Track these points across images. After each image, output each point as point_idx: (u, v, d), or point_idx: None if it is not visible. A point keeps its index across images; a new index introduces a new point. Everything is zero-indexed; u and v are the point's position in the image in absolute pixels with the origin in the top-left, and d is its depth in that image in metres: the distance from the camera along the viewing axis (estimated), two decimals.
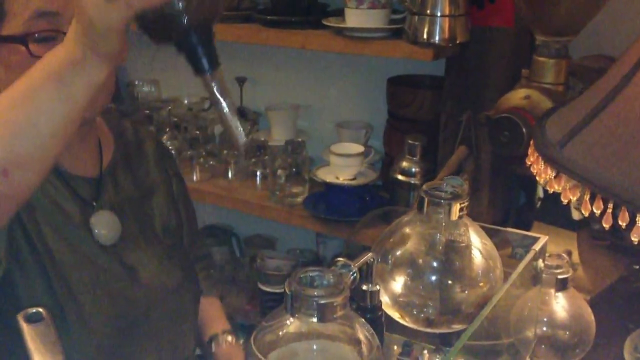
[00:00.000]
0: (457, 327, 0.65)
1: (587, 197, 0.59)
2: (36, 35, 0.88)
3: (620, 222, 0.56)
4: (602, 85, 0.65)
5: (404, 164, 1.52)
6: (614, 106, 0.61)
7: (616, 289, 1.23)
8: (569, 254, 0.89)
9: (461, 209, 0.64)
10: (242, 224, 2.05)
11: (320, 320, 0.50)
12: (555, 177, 0.63)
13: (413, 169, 1.51)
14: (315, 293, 0.50)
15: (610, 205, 0.56)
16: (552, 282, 0.81)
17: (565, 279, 0.81)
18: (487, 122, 1.18)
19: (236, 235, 2.06)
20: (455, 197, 0.64)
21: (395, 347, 0.81)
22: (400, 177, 1.51)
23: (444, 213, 0.64)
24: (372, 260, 0.61)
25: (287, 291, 0.50)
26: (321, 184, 1.61)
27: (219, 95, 0.59)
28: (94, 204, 0.98)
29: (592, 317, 0.84)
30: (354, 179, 1.59)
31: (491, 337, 0.80)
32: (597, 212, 0.57)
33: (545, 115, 0.74)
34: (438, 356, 0.79)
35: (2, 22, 0.89)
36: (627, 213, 0.55)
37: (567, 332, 0.83)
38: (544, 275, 0.81)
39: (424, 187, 0.66)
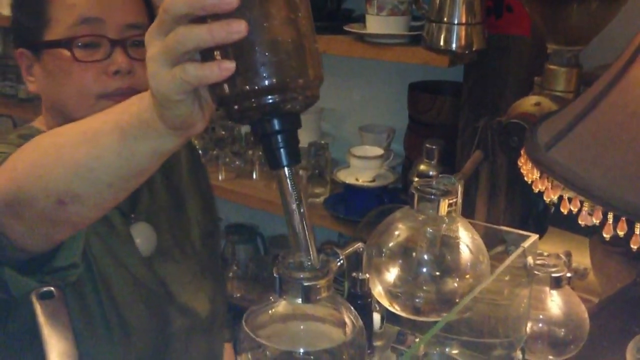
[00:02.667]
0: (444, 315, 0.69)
1: (566, 197, 0.62)
2: (80, 41, 0.90)
3: (594, 220, 0.59)
4: (589, 93, 0.69)
5: (422, 167, 1.56)
6: (596, 113, 0.64)
7: (625, 293, 1.24)
8: (568, 254, 0.92)
9: (450, 205, 0.68)
10: (266, 223, 2.10)
11: (305, 301, 0.54)
12: (539, 177, 0.67)
13: (430, 172, 1.54)
14: (301, 276, 0.54)
15: (586, 205, 0.60)
16: (547, 280, 0.84)
17: (559, 277, 0.84)
18: (498, 127, 1.21)
19: (261, 234, 2.12)
20: (445, 193, 0.68)
21: None
22: (417, 179, 1.55)
23: (433, 209, 0.68)
24: (361, 249, 0.66)
25: (275, 274, 0.55)
26: (342, 185, 1.66)
27: (290, 197, 0.52)
28: (132, 215, 0.99)
29: (586, 315, 0.86)
30: (373, 180, 1.64)
31: (486, 331, 0.83)
32: (575, 210, 0.61)
33: (540, 120, 0.78)
34: (437, 347, 0.83)
35: (46, 28, 0.92)
36: (600, 212, 0.59)
37: (562, 329, 0.85)
38: (540, 274, 0.85)
39: (415, 183, 0.71)
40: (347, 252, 0.61)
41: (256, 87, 0.49)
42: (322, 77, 0.53)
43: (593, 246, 1.30)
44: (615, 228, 0.58)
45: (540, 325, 0.86)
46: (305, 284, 0.54)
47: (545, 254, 0.88)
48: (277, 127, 0.52)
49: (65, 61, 0.91)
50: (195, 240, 1.08)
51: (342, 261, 0.58)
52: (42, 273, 0.77)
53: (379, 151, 1.64)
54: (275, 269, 0.55)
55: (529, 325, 0.85)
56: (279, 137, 0.52)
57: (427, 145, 1.55)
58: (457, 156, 1.55)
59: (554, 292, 0.85)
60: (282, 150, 0.52)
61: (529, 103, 1.20)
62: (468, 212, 1.46)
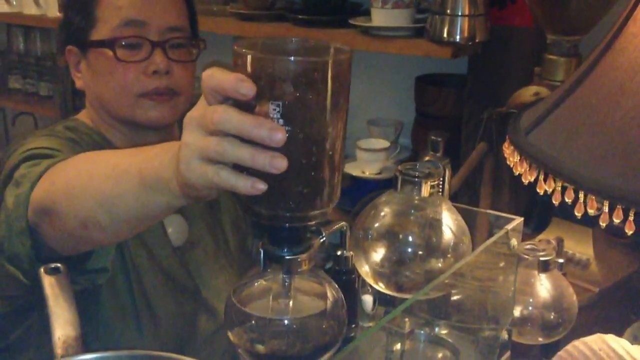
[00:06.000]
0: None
1: (541, 178, 0.64)
2: (123, 42, 0.96)
3: (566, 199, 0.62)
4: (569, 80, 0.71)
5: (427, 159, 1.57)
6: (572, 98, 0.67)
7: (626, 282, 1.25)
8: (560, 240, 0.94)
9: (432, 187, 0.71)
10: None
11: (287, 273, 0.57)
12: (519, 160, 0.69)
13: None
14: (286, 250, 0.58)
15: (560, 185, 0.62)
16: (535, 264, 0.86)
17: (547, 261, 0.86)
18: (497, 117, 1.23)
19: None
20: (427, 176, 0.71)
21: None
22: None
23: (416, 191, 0.71)
24: (345, 228, 0.69)
25: (260, 249, 0.58)
26: (349, 177, 1.69)
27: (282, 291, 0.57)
28: None
29: (575, 298, 0.88)
30: (379, 173, 1.66)
31: (475, 313, 0.86)
32: (550, 190, 0.63)
33: (526, 106, 0.80)
34: (427, 328, 0.86)
35: (93, 28, 0.98)
36: (572, 191, 0.61)
37: (550, 312, 0.87)
38: (529, 258, 0.87)
39: (399, 167, 0.73)
40: (330, 230, 0.64)
41: (279, 212, 0.53)
42: (338, 198, 0.56)
43: (596, 236, 1.31)
44: (586, 206, 0.61)
45: (530, 308, 0.88)
46: (287, 257, 0.57)
47: (537, 239, 0.90)
48: (285, 243, 0.56)
49: (109, 60, 0.97)
50: (225, 227, 1.11)
51: (324, 238, 0.61)
52: (73, 274, 0.80)
53: (385, 144, 1.66)
54: (260, 243, 0.58)
55: (519, 308, 0.88)
56: (285, 248, 0.56)
57: (433, 138, 1.56)
58: (462, 148, 1.57)
59: (543, 276, 0.87)
60: (285, 258, 0.56)
61: (528, 93, 1.22)
62: (472, 203, 1.48)
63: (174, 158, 0.57)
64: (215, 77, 0.51)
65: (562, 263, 0.92)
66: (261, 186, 0.51)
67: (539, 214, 1.61)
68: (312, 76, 0.50)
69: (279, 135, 0.49)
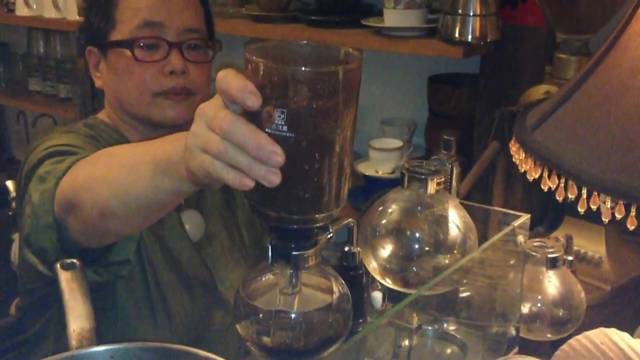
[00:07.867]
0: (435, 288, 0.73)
1: (545, 174, 0.65)
2: (141, 43, 0.99)
3: (570, 195, 0.62)
4: (574, 78, 0.72)
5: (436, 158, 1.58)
6: (576, 96, 0.67)
7: (638, 281, 1.25)
8: (569, 238, 0.94)
9: (438, 184, 0.72)
10: None
11: (294, 268, 0.59)
12: (524, 157, 0.70)
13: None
14: (293, 245, 0.59)
15: (563, 181, 0.63)
16: (543, 261, 0.87)
17: (555, 258, 0.86)
18: (508, 116, 1.23)
19: None
20: (433, 173, 0.72)
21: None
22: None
23: (422, 188, 0.72)
24: (352, 225, 0.70)
25: (267, 244, 0.60)
26: (362, 177, 1.70)
27: (289, 285, 0.57)
28: (183, 202, 1.04)
29: (583, 294, 0.89)
30: (392, 172, 1.67)
31: (484, 310, 0.87)
32: (553, 187, 0.64)
33: (532, 104, 0.81)
34: (436, 324, 0.87)
35: (112, 30, 1.01)
36: (575, 187, 0.62)
37: (559, 308, 0.88)
38: (537, 255, 0.87)
39: (406, 164, 0.74)
40: (337, 227, 0.66)
41: (283, 215, 0.53)
42: (345, 200, 0.56)
43: (608, 235, 1.31)
44: (588, 202, 0.61)
45: (538, 305, 0.89)
46: (294, 252, 0.58)
47: (546, 237, 0.91)
48: (292, 240, 0.56)
49: (127, 60, 1.00)
50: (240, 222, 1.14)
51: (331, 234, 0.63)
52: (97, 265, 0.85)
53: (398, 143, 1.67)
54: (268, 239, 0.60)
55: (528, 305, 0.88)
56: (292, 244, 0.57)
57: (445, 137, 1.57)
58: (475, 147, 1.57)
59: (551, 273, 0.88)
60: (292, 254, 0.57)
61: (539, 92, 1.22)
62: (485, 202, 1.48)
63: (184, 144, 0.59)
64: (226, 80, 0.52)
65: (571, 260, 0.93)
66: (249, 183, 0.52)
67: (552, 212, 1.61)
68: (320, 86, 0.51)
69: (277, 159, 0.50)
